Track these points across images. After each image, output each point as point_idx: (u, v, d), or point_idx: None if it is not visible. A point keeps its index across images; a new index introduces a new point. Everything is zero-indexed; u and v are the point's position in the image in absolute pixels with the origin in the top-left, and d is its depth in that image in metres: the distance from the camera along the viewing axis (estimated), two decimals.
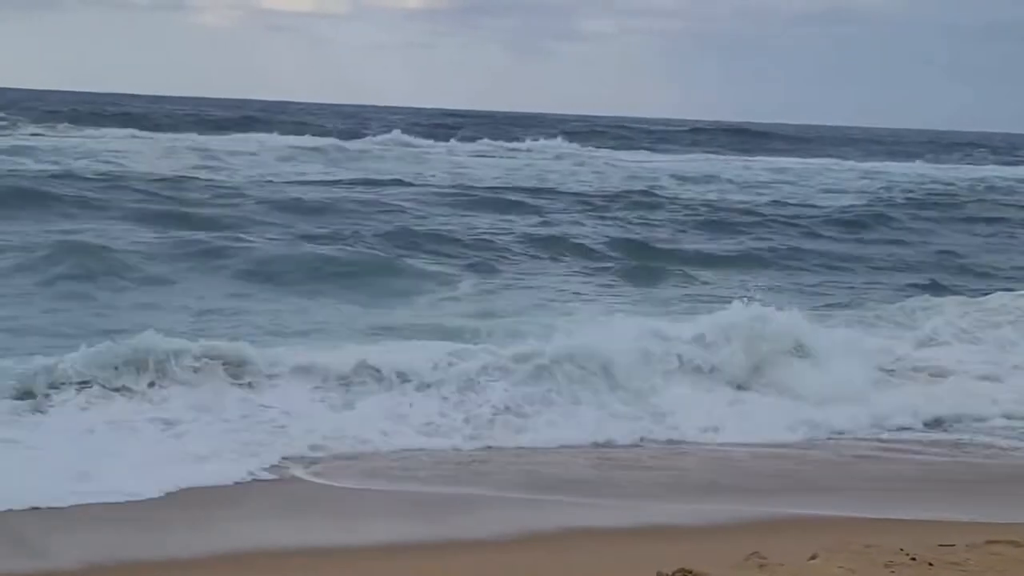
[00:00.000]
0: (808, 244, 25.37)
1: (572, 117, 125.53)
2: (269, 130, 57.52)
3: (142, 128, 55.41)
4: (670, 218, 28.51)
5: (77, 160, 35.53)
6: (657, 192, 35.13)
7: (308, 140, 50.62)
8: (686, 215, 29.29)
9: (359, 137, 56.18)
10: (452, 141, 57.82)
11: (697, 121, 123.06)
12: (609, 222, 26.82)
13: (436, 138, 59.19)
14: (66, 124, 55.93)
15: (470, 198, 30.08)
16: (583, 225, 25.92)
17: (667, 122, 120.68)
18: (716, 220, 28.39)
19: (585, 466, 10.06)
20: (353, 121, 77.17)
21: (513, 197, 30.83)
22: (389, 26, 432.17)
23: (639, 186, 36.92)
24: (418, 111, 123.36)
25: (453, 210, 27.43)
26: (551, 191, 33.85)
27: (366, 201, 28.11)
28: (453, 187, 33.45)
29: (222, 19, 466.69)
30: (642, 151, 61.99)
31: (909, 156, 69.11)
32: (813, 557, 7.00)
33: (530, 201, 30.05)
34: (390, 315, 15.05)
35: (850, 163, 58.42)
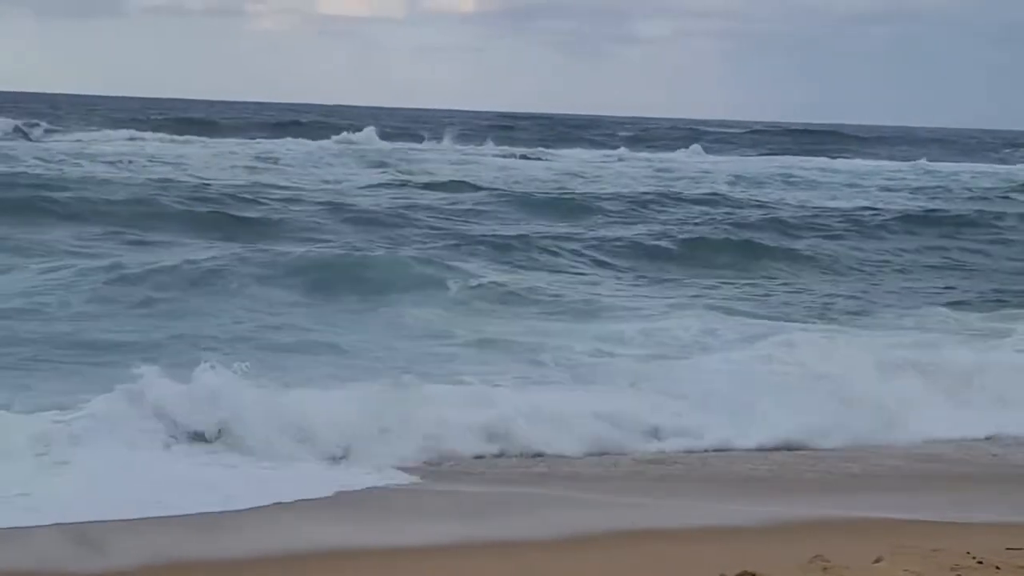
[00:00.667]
0: None
1: (627, 119, 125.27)
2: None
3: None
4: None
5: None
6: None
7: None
8: None
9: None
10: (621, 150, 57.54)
11: (756, 122, 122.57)
12: None
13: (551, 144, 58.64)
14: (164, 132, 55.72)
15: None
16: None
17: (741, 124, 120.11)
18: None
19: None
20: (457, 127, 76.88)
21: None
22: (443, 30, 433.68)
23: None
24: (477, 114, 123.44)
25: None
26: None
27: None
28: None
29: (278, 24, 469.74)
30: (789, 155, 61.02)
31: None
32: (878, 560, 6.93)
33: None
34: None
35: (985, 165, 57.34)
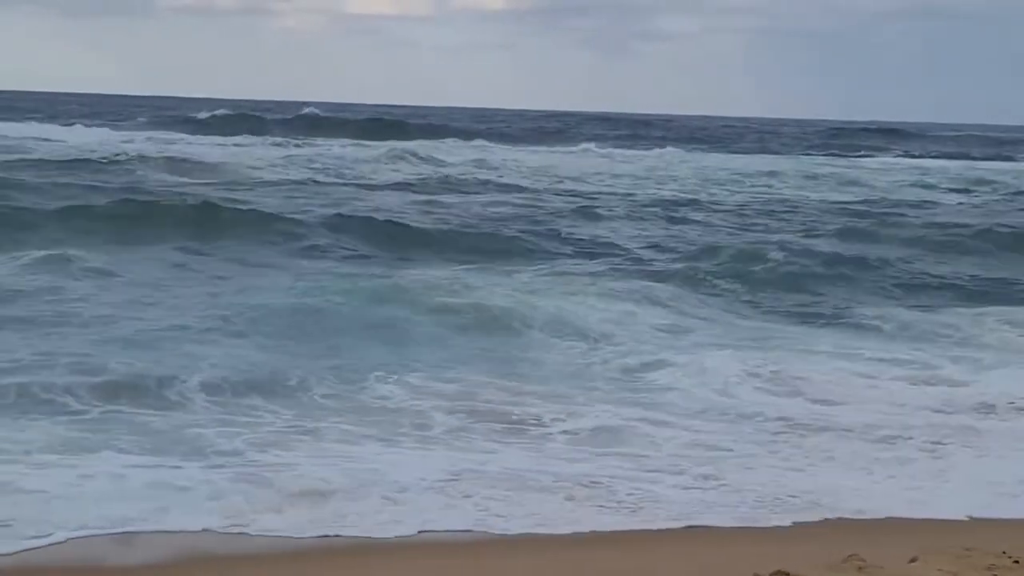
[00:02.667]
0: None
1: (656, 117, 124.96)
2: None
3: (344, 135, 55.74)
4: None
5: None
6: None
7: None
8: None
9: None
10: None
11: (787, 120, 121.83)
12: None
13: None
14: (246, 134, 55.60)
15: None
16: None
17: (779, 122, 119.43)
18: None
19: None
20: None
21: None
22: (472, 28, 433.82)
23: None
24: (516, 112, 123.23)
25: None
26: None
27: None
28: None
29: (305, 23, 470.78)
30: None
31: None
32: (913, 560, 6.93)
33: None
34: None
35: None
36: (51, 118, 66.19)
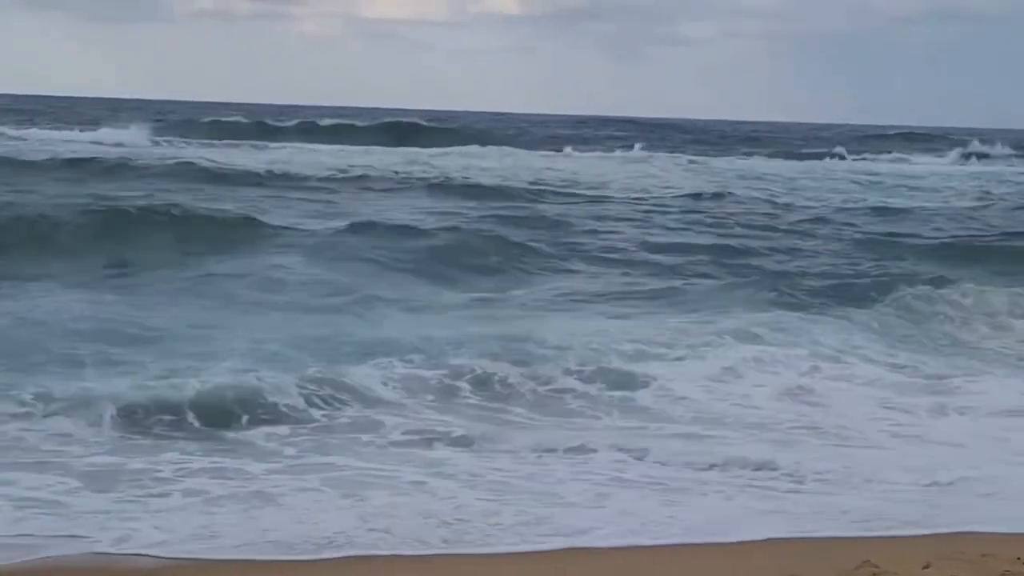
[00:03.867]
0: None
1: (681, 121, 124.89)
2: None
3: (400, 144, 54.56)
4: None
5: None
6: None
7: None
8: None
9: None
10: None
11: (815, 124, 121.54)
12: None
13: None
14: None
15: None
16: None
17: (807, 127, 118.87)
18: None
19: None
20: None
21: None
22: (488, 32, 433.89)
23: None
24: (545, 117, 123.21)
25: None
26: None
27: None
28: None
29: (322, 27, 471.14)
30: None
31: None
32: (927, 566, 6.88)
33: None
34: None
35: None
36: (86, 123, 64.83)
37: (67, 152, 38.58)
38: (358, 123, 66.99)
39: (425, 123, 68.80)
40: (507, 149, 54.51)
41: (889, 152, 66.32)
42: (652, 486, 8.97)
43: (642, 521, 8.19)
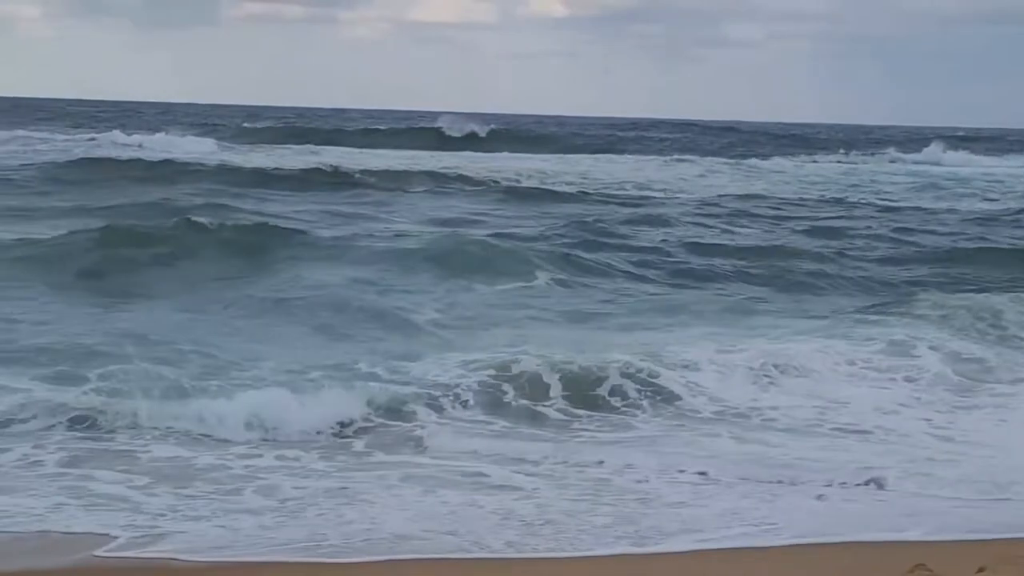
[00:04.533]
0: None
1: (721, 124, 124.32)
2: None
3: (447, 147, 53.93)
4: None
5: None
6: None
7: None
8: None
9: None
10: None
11: (868, 127, 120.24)
12: None
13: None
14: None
15: None
16: None
17: (859, 128, 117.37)
18: None
19: None
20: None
21: None
22: (536, 35, 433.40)
23: None
24: (598, 120, 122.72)
25: None
26: None
27: None
28: None
29: (372, 31, 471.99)
30: None
31: None
32: (981, 570, 6.90)
33: None
34: None
35: None
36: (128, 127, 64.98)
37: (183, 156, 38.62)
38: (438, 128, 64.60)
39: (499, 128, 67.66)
40: (611, 156, 53.96)
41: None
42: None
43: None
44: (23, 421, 10.13)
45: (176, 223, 20.40)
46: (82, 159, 35.65)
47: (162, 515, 8.17)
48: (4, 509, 8.12)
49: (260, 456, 9.59)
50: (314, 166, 36.40)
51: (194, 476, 9.03)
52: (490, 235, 21.95)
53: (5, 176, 30.60)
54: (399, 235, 22.20)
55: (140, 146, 45.36)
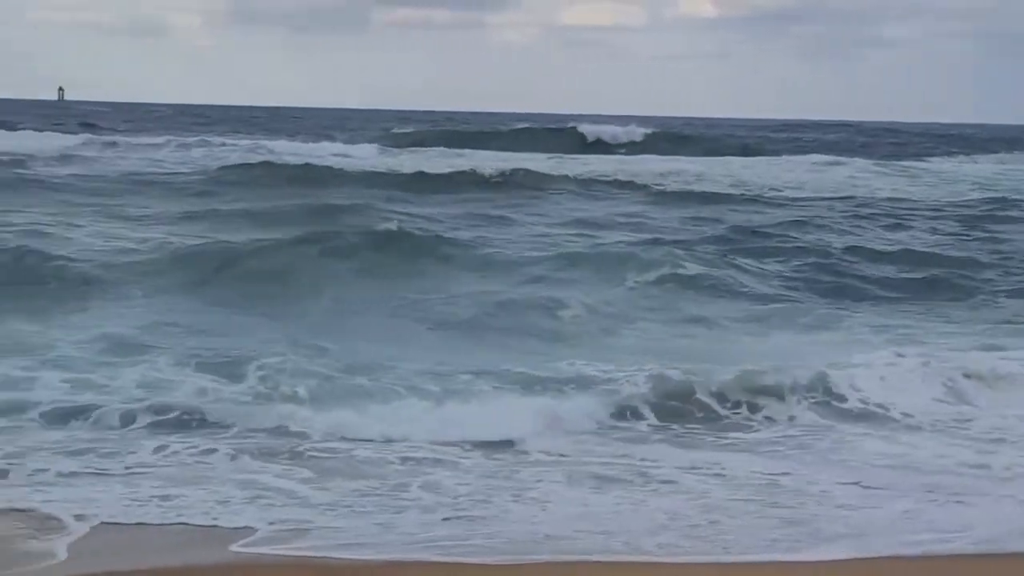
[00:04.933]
0: None
1: (878, 124, 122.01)
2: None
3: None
4: None
5: None
6: None
7: None
8: None
9: None
10: None
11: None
12: None
13: None
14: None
15: None
16: None
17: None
18: None
19: None
20: None
21: None
22: (686, 37, 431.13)
23: None
24: (746, 121, 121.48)
25: None
26: None
27: None
28: None
29: (521, 35, 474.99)
30: None
31: None
32: None
33: None
34: None
35: None
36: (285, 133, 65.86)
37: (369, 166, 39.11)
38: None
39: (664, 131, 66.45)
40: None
41: None
42: None
43: None
44: (198, 418, 10.41)
45: (346, 229, 20.51)
46: (243, 164, 36.51)
47: (319, 509, 8.27)
48: (174, 500, 8.29)
49: (424, 455, 9.64)
50: (462, 169, 36.59)
51: (359, 473, 9.13)
52: (644, 239, 21.83)
53: (175, 181, 31.60)
54: (548, 239, 22.19)
55: (298, 152, 46.02)
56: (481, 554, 7.52)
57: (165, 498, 8.31)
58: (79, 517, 7.87)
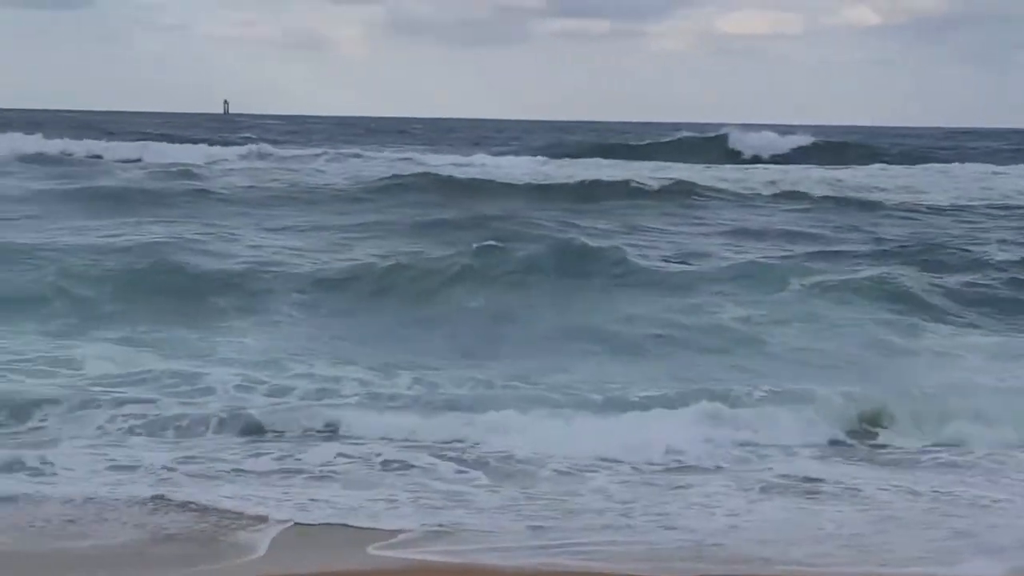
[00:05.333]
0: None
1: None
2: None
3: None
4: None
5: None
6: None
7: None
8: None
9: None
10: None
11: None
12: None
13: None
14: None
15: None
16: None
17: None
18: None
19: None
20: None
21: None
22: (845, 45, 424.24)
23: None
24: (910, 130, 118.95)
25: None
26: None
27: None
28: None
29: (679, 44, 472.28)
30: None
31: None
32: None
33: None
34: None
35: None
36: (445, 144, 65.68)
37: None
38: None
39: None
40: None
41: None
42: None
43: None
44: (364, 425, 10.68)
45: (508, 243, 20.26)
46: (403, 175, 36.54)
47: (474, 511, 8.50)
48: (343, 501, 8.62)
49: (588, 464, 9.76)
50: (621, 179, 36.15)
51: (520, 480, 9.33)
52: (818, 251, 21.27)
53: (338, 192, 32.04)
54: (716, 249, 21.71)
55: (456, 163, 45.99)
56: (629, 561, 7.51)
57: (337, 499, 8.67)
58: (270, 517, 8.26)
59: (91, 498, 8.54)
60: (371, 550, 7.67)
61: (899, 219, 28.89)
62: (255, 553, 7.64)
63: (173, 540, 7.82)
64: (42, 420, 10.65)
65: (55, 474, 9.15)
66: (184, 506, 8.43)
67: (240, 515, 8.26)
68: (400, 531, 8.00)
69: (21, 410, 10.78)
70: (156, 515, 8.27)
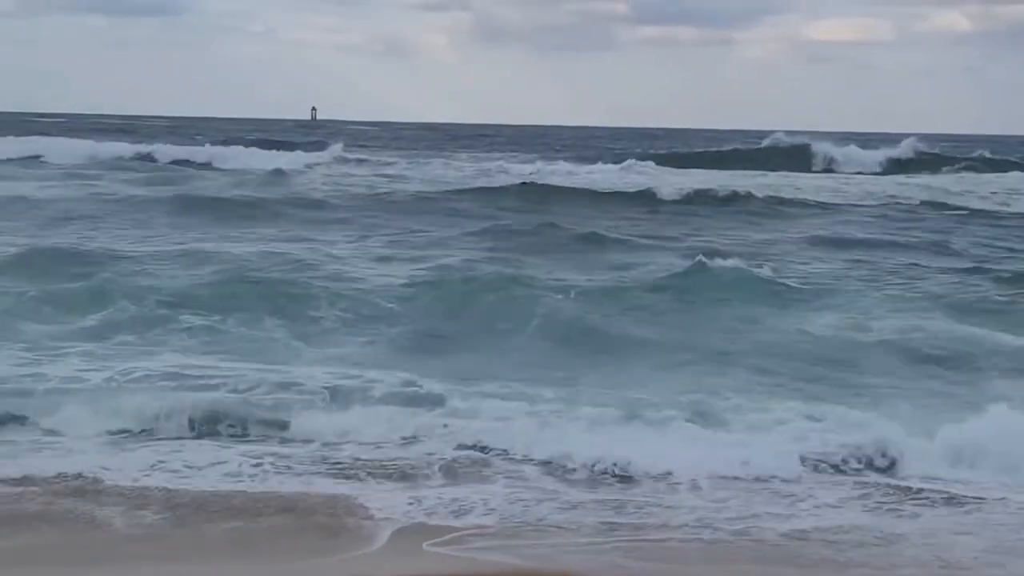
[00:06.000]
0: None
1: None
2: None
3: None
4: None
5: None
6: None
7: None
8: None
9: None
10: None
11: None
12: None
13: None
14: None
15: None
16: None
17: None
18: None
19: None
20: None
21: None
22: (936, 51, 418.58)
23: None
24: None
25: None
26: None
27: None
28: None
29: (767, 51, 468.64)
30: None
31: None
32: None
33: None
34: None
35: None
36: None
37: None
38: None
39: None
40: None
41: None
42: None
43: None
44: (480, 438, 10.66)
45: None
46: (524, 184, 35.99)
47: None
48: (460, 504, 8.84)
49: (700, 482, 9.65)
50: (734, 191, 35.22)
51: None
52: (952, 267, 20.65)
53: (453, 200, 31.80)
54: (831, 262, 21.05)
55: (570, 172, 45.05)
56: None
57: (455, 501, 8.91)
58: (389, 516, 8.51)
59: None
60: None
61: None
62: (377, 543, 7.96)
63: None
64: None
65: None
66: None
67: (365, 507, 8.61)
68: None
69: None
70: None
